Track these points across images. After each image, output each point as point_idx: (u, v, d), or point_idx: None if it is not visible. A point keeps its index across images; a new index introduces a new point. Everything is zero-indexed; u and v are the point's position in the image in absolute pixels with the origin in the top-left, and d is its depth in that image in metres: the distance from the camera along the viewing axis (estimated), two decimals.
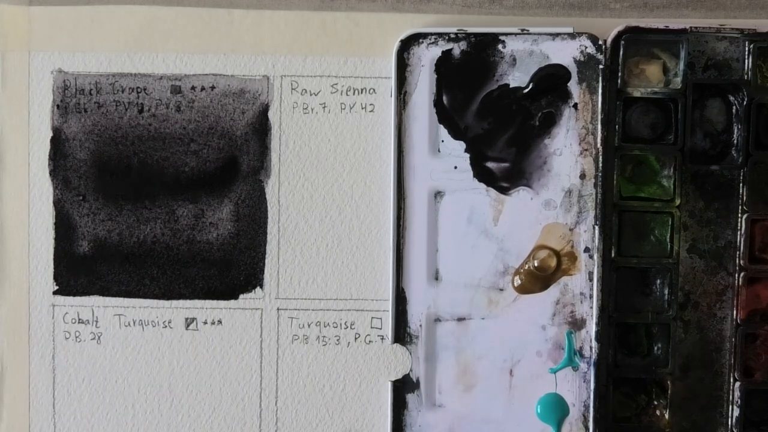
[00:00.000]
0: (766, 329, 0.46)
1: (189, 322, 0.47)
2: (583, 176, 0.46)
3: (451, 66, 0.46)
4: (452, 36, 0.46)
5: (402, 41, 0.46)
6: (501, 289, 0.46)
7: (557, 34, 0.45)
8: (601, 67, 0.45)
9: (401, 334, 0.46)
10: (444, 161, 0.46)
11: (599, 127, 0.45)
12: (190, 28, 0.47)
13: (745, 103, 0.45)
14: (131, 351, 0.47)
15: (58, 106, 0.47)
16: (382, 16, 0.47)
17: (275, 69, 0.47)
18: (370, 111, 0.47)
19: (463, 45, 0.46)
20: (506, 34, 0.46)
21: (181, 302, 0.47)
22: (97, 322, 0.47)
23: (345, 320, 0.47)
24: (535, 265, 0.46)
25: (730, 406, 0.46)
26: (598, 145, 0.45)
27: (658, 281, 0.46)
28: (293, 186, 0.47)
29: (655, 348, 0.46)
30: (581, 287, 0.46)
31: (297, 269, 0.47)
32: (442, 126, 0.46)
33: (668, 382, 0.46)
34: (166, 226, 0.47)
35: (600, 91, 0.45)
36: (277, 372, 0.47)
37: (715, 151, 0.46)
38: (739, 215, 0.46)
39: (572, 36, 0.45)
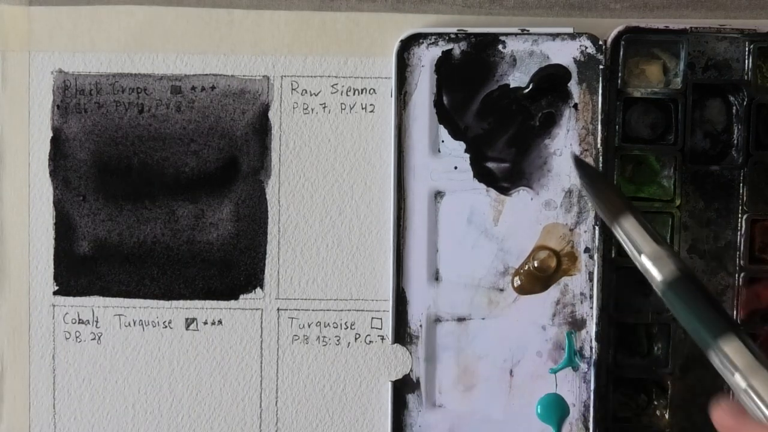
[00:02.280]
0: (766, 329, 0.46)
1: (189, 322, 0.47)
2: None
3: (451, 66, 0.46)
4: (452, 36, 0.46)
5: (402, 41, 0.46)
6: (501, 290, 0.46)
7: (557, 35, 0.45)
8: (601, 67, 0.45)
9: (401, 334, 0.46)
10: (444, 161, 0.46)
11: (599, 127, 0.45)
12: (190, 28, 0.47)
13: (745, 103, 0.45)
14: (131, 351, 0.47)
15: (58, 106, 0.47)
16: (382, 16, 0.47)
17: (275, 69, 0.47)
18: (370, 111, 0.47)
19: (463, 45, 0.46)
20: (506, 35, 0.46)
21: (181, 302, 0.47)
22: (97, 322, 0.47)
23: (345, 320, 0.47)
24: (535, 265, 0.46)
25: None
26: (598, 145, 0.45)
27: None
28: (293, 186, 0.47)
29: (655, 348, 0.46)
30: (581, 287, 0.46)
31: (297, 269, 0.47)
32: (442, 126, 0.46)
33: (668, 382, 0.46)
34: (166, 227, 0.47)
35: (600, 91, 0.45)
36: (277, 372, 0.47)
37: (715, 151, 0.46)
38: (739, 215, 0.46)
39: (572, 36, 0.45)
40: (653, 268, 0.37)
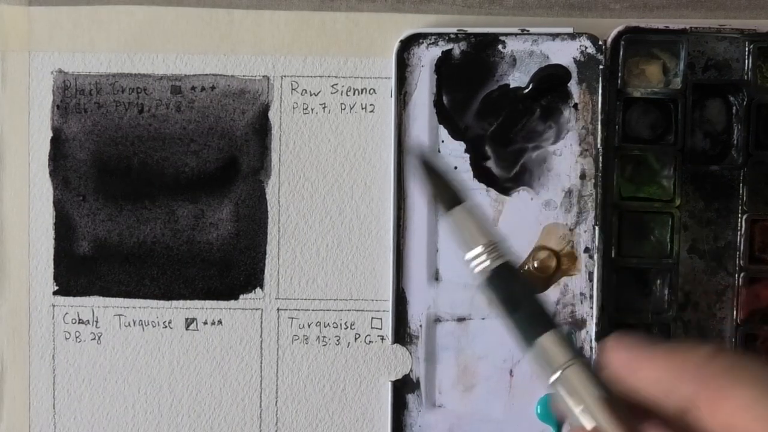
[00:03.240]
0: (766, 329, 0.46)
1: (189, 322, 0.47)
2: (583, 176, 0.46)
3: (451, 66, 0.46)
4: (452, 36, 0.46)
5: (402, 41, 0.46)
6: None
7: (557, 35, 0.45)
8: (601, 67, 0.45)
9: (401, 334, 0.46)
10: (444, 161, 0.46)
11: (599, 127, 0.45)
12: (190, 28, 0.47)
13: (745, 103, 0.45)
14: (131, 351, 0.47)
15: (58, 106, 0.47)
16: (382, 16, 0.47)
17: (275, 69, 0.47)
18: (370, 111, 0.47)
19: (463, 45, 0.46)
20: (506, 35, 0.46)
21: (181, 302, 0.47)
22: (97, 322, 0.47)
23: (345, 320, 0.47)
24: (535, 265, 0.46)
25: None
26: (598, 145, 0.45)
27: (658, 281, 0.46)
28: (293, 186, 0.47)
29: None
30: (581, 287, 0.46)
31: (297, 269, 0.47)
32: (442, 126, 0.46)
33: None
34: (166, 227, 0.47)
35: (600, 91, 0.45)
36: (277, 372, 0.47)
37: (715, 151, 0.46)
38: (739, 215, 0.46)
39: (572, 36, 0.45)
40: (474, 263, 0.34)
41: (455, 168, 0.46)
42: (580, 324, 0.46)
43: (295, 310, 0.47)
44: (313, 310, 0.47)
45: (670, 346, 0.29)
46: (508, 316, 0.32)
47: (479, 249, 0.33)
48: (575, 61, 0.45)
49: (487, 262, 0.33)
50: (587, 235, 0.46)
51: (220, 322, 0.47)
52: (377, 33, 0.47)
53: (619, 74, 0.45)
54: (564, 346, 0.31)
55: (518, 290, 0.32)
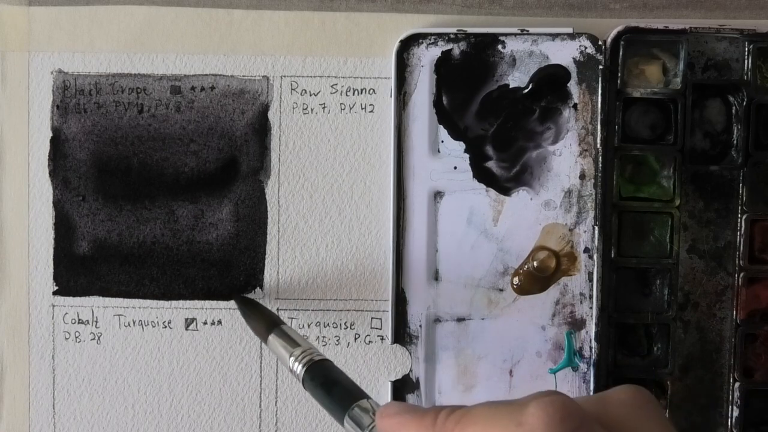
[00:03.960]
0: (766, 329, 0.46)
1: (189, 322, 0.47)
2: (582, 176, 0.46)
3: (451, 66, 0.46)
4: (452, 36, 0.46)
5: (402, 41, 0.46)
6: (501, 290, 0.46)
7: (557, 35, 0.45)
8: (600, 67, 0.45)
9: (401, 334, 0.46)
10: (444, 161, 0.46)
11: (599, 127, 0.45)
12: (190, 28, 0.47)
13: (744, 103, 0.45)
14: (131, 351, 0.47)
15: (57, 106, 0.47)
16: (382, 16, 0.47)
17: (275, 69, 0.47)
18: (370, 111, 0.47)
19: (462, 45, 0.46)
20: (506, 35, 0.46)
21: (180, 302, 0.47)
22: (96, 322, 0.47)
23: (345, 321, 0.47)
24: (535, 265, 0.46)
25: (730, 406, 0.46)
26: (598, 145, 0.45)
27: (658, 281, 0.46)
28: (293, 186, 0.47)
29: (655, 348, 0.46)
30: (581, 287, 0.46)
31: (297, 269, 0.47)
32: (441, 126, 0.46)
33: (668, 383, 0.46)
34: (165, 227, 0.47)
35: (600, 91, 0.45)
36: (277, 372, 0.47)
37: (715, 152, 0.46)
38: (739, 215, 0.46)
39: (572, 36, 0.45)
40: (295, 365, 0.41)
41: (455, 168, 0.46)
42: (579, 324, 0.46)
43: (295, 310, 0.47)
44: (312, 310, 0.47)
45: (419, 410, 0.34)
46: (325, 396, 0.39)
47: (293, 358, 0.41)
48: (575, 61, 0.45)
49: (301, 365, 0.41)
50: (587, 235, 0.46)
51: (220, 322, 0.47)
52: (377, 33, 0.47)
53: (619, 74, 0.45)
54: (373, 412, 0.37)
55: (332, 376, 0.40)
